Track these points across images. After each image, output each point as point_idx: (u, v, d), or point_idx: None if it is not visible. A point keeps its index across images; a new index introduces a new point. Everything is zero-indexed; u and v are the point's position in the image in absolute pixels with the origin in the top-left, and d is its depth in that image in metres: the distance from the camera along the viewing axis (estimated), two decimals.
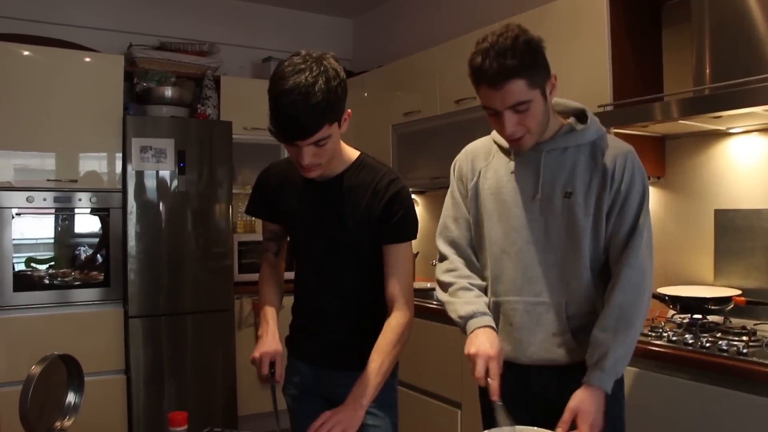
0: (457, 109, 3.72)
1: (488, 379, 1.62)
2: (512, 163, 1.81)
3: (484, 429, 1.72)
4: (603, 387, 1.63)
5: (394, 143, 4.32)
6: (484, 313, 1.76)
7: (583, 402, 1.61)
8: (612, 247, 1.73)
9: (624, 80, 2.86)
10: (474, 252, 1.90)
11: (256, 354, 1.78)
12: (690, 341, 2.26)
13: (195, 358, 4.18)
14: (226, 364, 4.29)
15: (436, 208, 4.58)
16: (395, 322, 1.78)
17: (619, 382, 1.74)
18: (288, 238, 2.04)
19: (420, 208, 4.72)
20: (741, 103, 2.26)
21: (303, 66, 1.60)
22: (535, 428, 1.57)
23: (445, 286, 1.88)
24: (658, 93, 2.85)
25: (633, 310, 1.66)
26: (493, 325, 1.75)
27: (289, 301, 2.01)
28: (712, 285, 2.75)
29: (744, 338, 2.25)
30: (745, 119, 2.50)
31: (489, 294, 1.84)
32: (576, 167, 1.73)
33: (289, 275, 2.01)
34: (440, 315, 3.37)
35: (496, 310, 1.82)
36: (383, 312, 1.83)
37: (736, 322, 2.53)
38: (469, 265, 1.89)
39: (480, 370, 1.63)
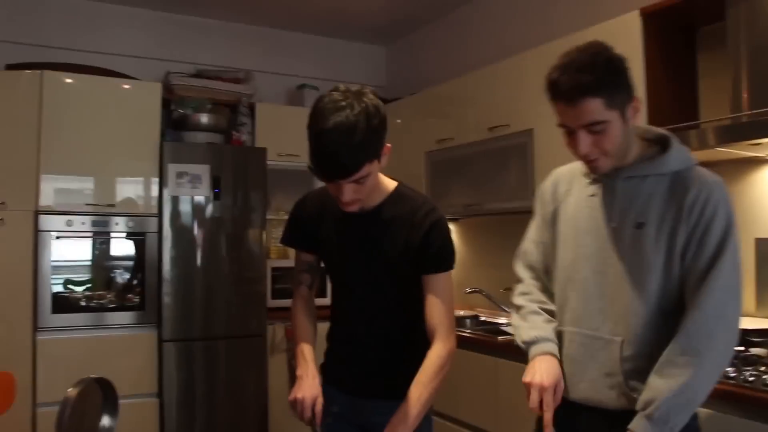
0: (491, 136, 3.71)
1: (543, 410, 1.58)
2: (591, 188, 1.74)
3: None
4: None
5: (427, 170, 4.32)
6: (547, 339, 1.72)
7: None
8: (687, 286, 1.57)
9: (659, 106, 2.82)
10: (550, 279, 1.84)
11: (299, 395, 1.73)
12: (732, 375, 2.20)
13: (227, 383, 4.19)
14: (258, 389, 4.29)
15: (469, 236, 4.57)
16: (435, 353, 1.76)
17: None
18: (320, 268, 2.03)
19: (453, 236, 4.67)
20: None
21: (343, 103, 1.59)
22: None
23: (517, 309, 1.85)
24: (693, 119, 2.83)
25: (697, 358, 1.48)
26: (556, 352, 1.70)
27: (323, 327, 2.00)
28: (754, 316, 2.69)
29: None
30: None
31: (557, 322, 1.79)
32: (652, 197, 1.62)
33: (324, 302, 2.01)
34: (475, 344, 3.35)
35: (559, 339, 1.75)
36: (419, 342, 1.81)
37: None
38: (545, 289, 1.85)
39: (533, 400, 1.60)
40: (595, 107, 1.52)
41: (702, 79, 3.02)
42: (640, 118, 2.75)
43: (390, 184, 1.89)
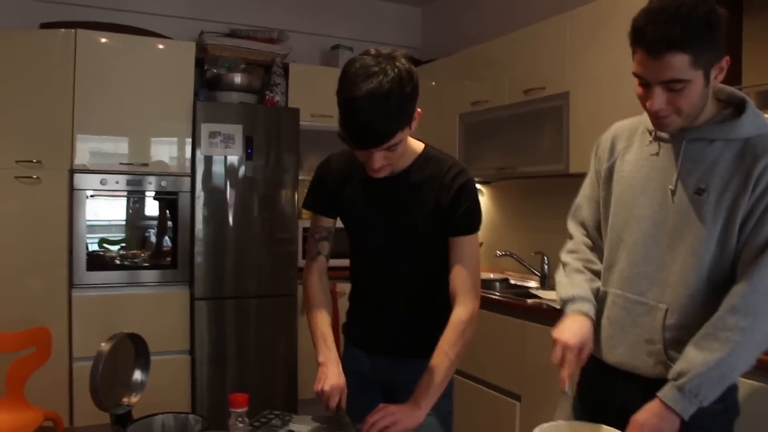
0: (526, 99, 3.66)
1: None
2: (653, 147, 1.63)
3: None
4: (676, 409, 1.44)
5: (460, 133, 4.28)
6: (583, 299, 1.68)
7: (644, 415, 1.47)
8: (741, 260, 1.48)
9: None
10: (601, 236, 1.78)
11: (326, 387, 1.72)
12: None
13: (258, 341, 4.26)
14: (288, 348, 4.36)
15: (501, 199, 4.54)
16: (457, 318, 1.75)
17: (722, 420, 1.55)
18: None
19: (485, 199, 4.68)
20: None
21: (376, 68, 1.53)
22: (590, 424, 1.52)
23: (563, 266, 1.82)
24: (736, 84, 2.75)
25: (738, 333, 1.42)
26: (591, 312, 1.67)
27: (345, 287, 2.00)
28: None
29: None
30: None
31: (601, 282, 1.74)
32: (718, 163, 1.50)
33: (343, 262, 1.99)
34: (502, 306, 3.36)
35: (602, 300, 1.71)
36: (442, 303, 1.81)
37: None
38: (594, 247, 1.81)
39: (556, 356, 1.59)
40: (680, 64, 1.40)
41: (746, 43, 2.93)
42: None
43: (418, 146, 1.86)
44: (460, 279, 1.77)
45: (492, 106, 3.97)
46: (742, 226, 1.48)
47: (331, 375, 1.74)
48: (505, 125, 3.87)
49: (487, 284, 3.95)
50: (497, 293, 3.64)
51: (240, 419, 1.51)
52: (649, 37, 1.41)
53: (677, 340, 1.54)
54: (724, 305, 1.47)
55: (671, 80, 1.43)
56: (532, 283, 3.92)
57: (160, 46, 4.13)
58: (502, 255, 4.04)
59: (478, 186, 4.71)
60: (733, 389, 1.56)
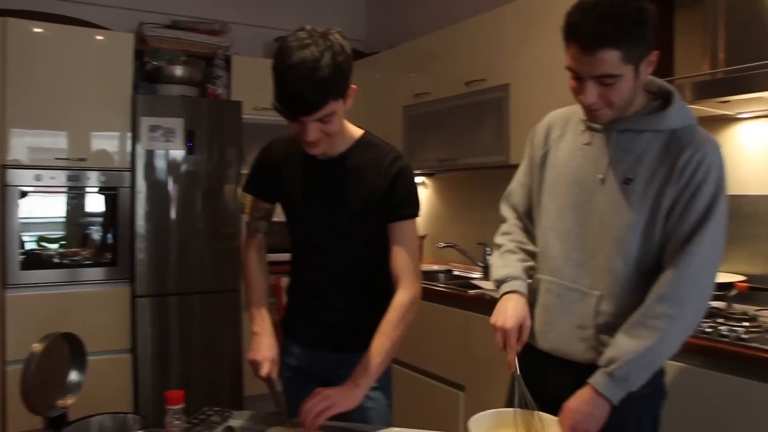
0: (467, 91, 3.70)
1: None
2: (586, 136, 1.68)
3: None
4: (606, 394, 1.48)
5: (404, 125, 4.30)
6: (515, 277, 1.72)
7: (576, 402, 1.51)
8: (668, 249, 1.54)
9: None
10: (532, 222, 1.83)
11: (258, 357, 1.77)
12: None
13: (202, 338, 4.22)
14: (232, 344, 4.32)
15: (444, 191, 4.58)
16: (398, 301, 1.77)
17: (648, 403, 1.60)
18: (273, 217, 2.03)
19: (429, 191, 4.71)
20: (749, 87, 2.24)
21: (309, 41, 1.58)
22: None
23: (497, 248, 1.86)
24: (669, 76, 2.82)
25: (666, 321, 1.47)
26: (523, 289, 1.71)
27: (284, 281, 2.01)
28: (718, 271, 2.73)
29: (745, 324, 2.24)
30: (754, 104, 2.48)
31: (536, 269, 1.78)
32: (645, 154, 1.56)
33: (283, 257, 2.00)
34: (444, 297, 3.39)
35: (536, 287, 1.75)
36: (382, 294, 1.82)
37: (738, 307, 2.51)
38: (526, 231, 1.85)
39: (498, 342, 1.63)
40: (612, 60, 1.44)
41: (678, 36, 3.01)
42: None
43: (356, 131, 1.88)
44: (400, 263, 1.80)
45: (435, 98, 3.99)
46: (668, 216, 1.53)
47: (264, 345, 1.79)
48: (447, 117, 3.90)
49: (430, 276, 3.98)
50: (440, 284, 3.67)
51: (176, 416, 1.50)
52: (583, 33, 1.45)
53: (608, 325, 1.59)
54: (652, 294, 1.51)
55: (603, 75, 1.47)
56: (476, 274, 3.97)
57: (98, 38, 4.03)
58: (445, 246, 4.07)
59: (421, 178, 4.77)
60: (659, 373, 1.61)
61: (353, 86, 1.69)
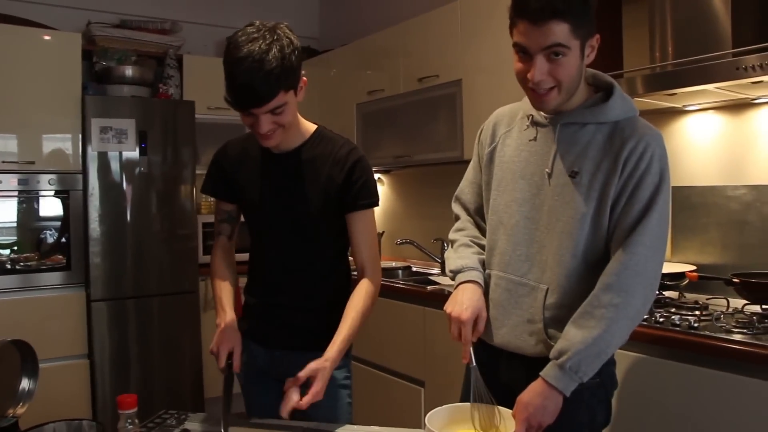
0: (420, 87, 3.71)
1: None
2: (532, 131, 1.68)
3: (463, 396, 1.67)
4: (558, 386, 1.49)
5: (358, 122, 4.30)
6: (471, 268, 1.72)
7: (528, 395, 1.52)
8: (614, 240, 1.56)
9: None
10: (483, 219, 1.83)
11: (214, 349, 1.79)
12: (645, 317, 2.29)
13: (161, 341, 4.16)
14: (192, 346, 4.27)
15: (401, 187, 4.59)
16: (366, 287, 1.83)
17: (599, 392, 1.62)
18: (240, 220, 2.03)
19: (385, 187, 4.72)
20: (696, 80, 2.28)
21: (257, 35, 1.62)
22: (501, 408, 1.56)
23: (451, 244, 1.87)
24: (618, 70, 2.86)
25: (612, 310, 1.49)
26: (479, 279, 1.71)
27: (242, 281, 2.01)
28: (669, 261, 2.79)
29: (696, 313, 2.29)
30: (700, 97, 2.53)
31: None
32: (589, 146, 1.57)
33: (242, 257, 2.00)
34: (403, 294, 3.40)
35: (486, 282, 1.74)
36: (341, 293, 1.83)
37: (690, 297, 2.57)
38: (478, 227, 1.86)
39: (453, 333, 1.63)
40: (561, 31, 1.46)
41: (627, 29, 3.06)
42: None
43: (310, 126, 1.91)
44: (364, 252, 1.86)
45: (388, 94, 4.00)
46: (613, 207, 1.55)
47: (223, 337, 1.80)
48: (401, 114, 3.91)
49: (389, 272, 3.99)
50: (399, 281, 3.68)
51: (129, 421, 1.48)
52: (532, 6, 1.46)
53: (557, 319, 1.60)
54: (599, 284, 1.53)
55: (553, 45, 1.47)
56: (434, 270, 3.98)
57: (45, 38, 3.94)
58: (402, 243, 4.09)
59: (377, 175, 4.76)
60: (609, 363, 1.63)
61: (304, 78, 1.72)
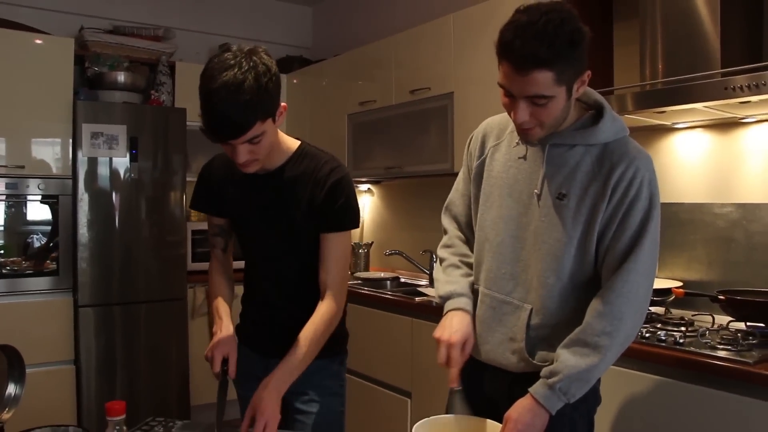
0: (412, 99, 3.73)
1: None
2: (522, 149, 1.66)
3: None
4: (546, 405, 1.51)
5: (349, 132, 4.31)
6: (461, 295, 1.72)
7: (517, 411, 1.52)
8: (605, 266, 1.55)
9: None
10: (473, 232, 1.81)
11: (208, 354, 1.77)
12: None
13: (148, 348, 4.15)
14: (179, 353, 4.26)
15: (390, 198, 4.60)
16: (325, 310, 1.79)
17: (582, 408, 1.62)
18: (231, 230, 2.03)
19: (375, 198, 4.73)
20: (685, 98, 2.30)
21: (232, 62, 1.56)
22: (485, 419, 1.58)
23: (439, 261, 1.86)
24: (608, 86, 2.89)
25: (606, 339, 1.49)
26: (468, 307, 1.71)
27: (239, 290, 2.01)
28: (657, 277, 2.81)
29: (682, 329, 2.31)
30: (688, 115, 2.56)
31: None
32: (578, 169, 1.56)
33: (240, 264, 2.01)
34: (391, 304, 3.41)
35: (475, 297, 1.75)
36: None
37: (676, 313, 2.59)
38: (467, 242, 1.84)
39: (441, 356, 1.63)
40: (544, 81, 1.42)
41: (617, 47, 3.09)
42: None
43: (293, 143, 1.88)
44: (330, 274, 1.82)
45: (380, 106, 4.02)
46: (603, 232, 1.55)
47: (218, 342, 1.77)
48: (392, 125, 3.93)
49: (377, 283, 4.00)
50: (387, 292, 3.69)
51: (118, 428, 1.48)
52: (516, 53, 1.42)
53: (540, 337, 1.61)
54: (592, 311, 1.53)
55: (535, 96, 1.46)
56: (422, 281, 3.99)
57: (37, 42, 3.93)
58: (391, 253, 4.10)
59: (367, 186, 4.78)
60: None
61: (283, 104, 1.69)
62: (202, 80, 1.59)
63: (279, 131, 1.79)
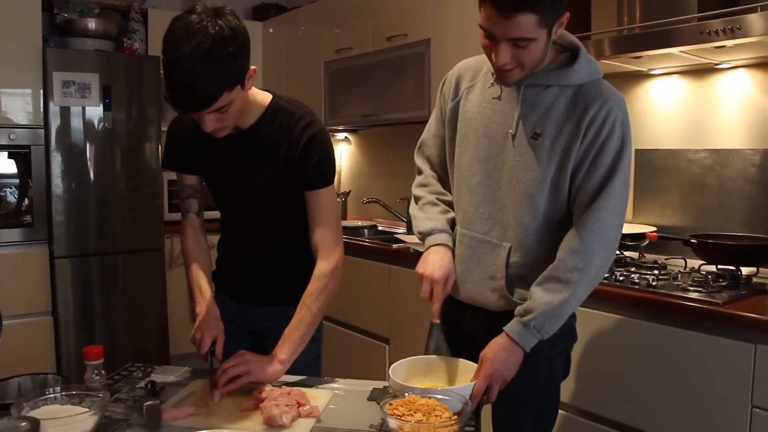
0: (389, 46, 3.69)
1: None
2: (495, 89, 1.66)
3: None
4: (521, 342, 1.54)
5: (326, 80, 4.27)
6: (441, 230, 1.74)
7: (493, 350, 1.55)
8: (576, 204, 1.58)
9: None
10: (446, 173, 1.83)
11: (197, 334, 1.73)
12: (605, 275, 2.34)
13: (126, 298, 4.15)
14: (157, 303, 4.27)
15: (367, 146, 4.59)
16: (318, 272, 1.77)
17: (559, 345, 1.67)
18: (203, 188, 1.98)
19: (352, 147, 4.71)
20: (661, 43, 2.30)
21: (197, 26, 1.46)
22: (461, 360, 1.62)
23: (415, 200, 1.86)
24: (586, 32, 2.87)
25: (577, 274, 1.52)
26: (449, 242, 1.73)
27: (214, 239, 2.00)
28: (630, 222, 2.85)
29: (655, 272, 2.35)
30: (665, 61, 2.56)
31: None
32: (552, 109, 1.57)
33: (214, 214, 1.99)
34: (368, 252, 3.43)
35: (454, 238, 1.76)
36: (305, 250, 1.82)
37: (650, 257, 2.63)
38: (442, 181, 1.85)
39: (425, 291, 1.66)
40: (528, 23, 1.42)
41: None
42: None
43: (264, 98, 1.80)
44: (319, 233, 1.78)
45: (356, 53, 3.98)
46: (576, 171, 1.57)
47: (205, 323, 1.74)
48: (369, 73, 3.89)
49: (355, 231, 4.01)
50: (365, 239, 3.71)
51: (96, 372, 1.48)
52: None
53: (518, 275, 1.64)
54: (564, 247, 1.56)
55: (518, 38, 1.46)
56: (400, 229, 4.01)
57: None
58: (368, 201, 4.11)
59: (344, 134, 4.76)
60: (571, 317, 1.67)
61: (253, 67, 1.60)
62: (165, 46, 1.48)
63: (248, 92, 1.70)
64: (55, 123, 3.88)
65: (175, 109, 1.59)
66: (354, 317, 3.57)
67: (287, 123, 1.77)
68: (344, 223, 4.26)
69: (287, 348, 1.69)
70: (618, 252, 2.59)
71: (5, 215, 3.87)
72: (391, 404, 1.36)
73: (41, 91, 3.88)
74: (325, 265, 1.77)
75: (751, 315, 1.89)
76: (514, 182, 1.62)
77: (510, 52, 1.50)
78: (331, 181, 1.81)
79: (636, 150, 2.83)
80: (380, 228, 4.16)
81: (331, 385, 1.71)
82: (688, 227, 2.68)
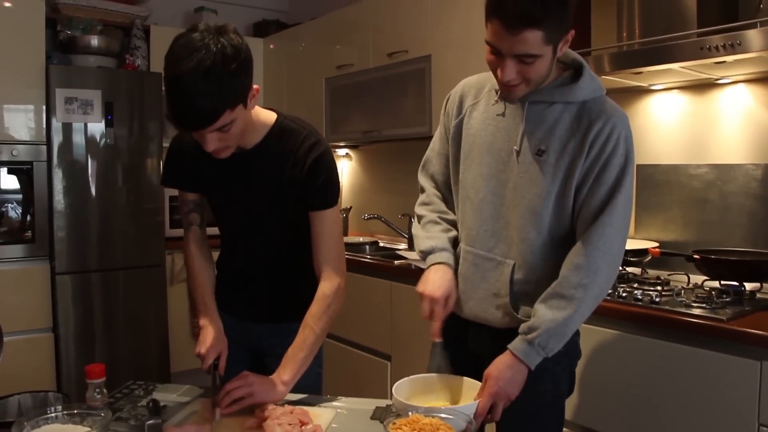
0: (390, 62, 3.71)
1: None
2: (499, 106, 1.68)
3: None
4: (525, 360, 1.54)
5: (327, 97, 4.28)
6: (442, 249, 1.73)
7: (497, 369, 1.55)
8: (580, 220, 1.59)
9: None
10: (450, 191, 1.83)
11: (202, 350, 1.73)
12: (608, 291, 2.33)
13: (127, 315, 4.14)
14: (158, 319, 4.26)
15: (368, 162, 4.59)
16: (321, 292, 1.76)
17: (563, 361, 1.67)
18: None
19: (353, 163, 4.72)
20: (661, 59, 2.31)
21: (199, 43, 1.45)
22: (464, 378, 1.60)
23: (418, 219, 1.86)
24: (586, 47, 2.88)
25: (581, 291, 1.53)
26: (450, 261, 1.73)
27: (214, 254, 2.00)
28: (633, 238, 2.85)
29: (658, 288, 2.34)
30: (665, 76, 2.56)
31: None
32: (557, 125, 1.58)
33: (213, 230, 1.98)
34: (370, 268, 3.42)
35: (457, 255, 1.77)
36: (305, 268, 1.82)
37: (652, 273, 2.63)
38: (445, 200, 1.85)
39: (425, 310, 1.66)
40: (534, 40, 1.43)
41: (595, 9, 3.07)
42: None
43: (269, 118, 1.78)
44: (323, 254, 1.78)
45: (357, 69, 3.99)
46: (580, 187, 1.58)
47: (209, 337, 1.74)
48: (370, 89, 3.90)
49: (356, 247, 4.01)
50: (366, 256, 3.70)
51: (98, 390, 1.48)
52: (509, 12, 1.42)
53: (523, 292, 1.64)
54: (568, 264, 1.56)
55: (524, 55, 1.47)
56: (401, 245, 4.01)
57: (6, 4, 3.82)
58: (370, 218, 4.10)
59: (345, 150, 4.76)
60: (575, 334, 1.67)
61: (255, 86, 1.59)
62: (166, 64, 1.47)
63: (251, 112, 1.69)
64: (57, 139, 3.89)
65: (176, 129, 1.57)
66: (355, 334, 3.55)
67: (293, 143, 1.76)
68: (345, 239, 4.25)
69: (290, 369, 1.68)
70: (620, 268, 2.58)
71: (7, 231, 3.87)
72: (394, 423, 1.35)
73: (44, 108, 3.88)
74: (328, 286, 1.77)
75: (757, 332, 1.88)
76: (518, 199, 1.62)
77: (516, 68, 1.50)
78: (336, 202, 1.80)
79: (637, 165, 2.83)
80: (381, 244, 4.15)
81: (334, 403, 1.70)
82: (691, 242, 2.67)
